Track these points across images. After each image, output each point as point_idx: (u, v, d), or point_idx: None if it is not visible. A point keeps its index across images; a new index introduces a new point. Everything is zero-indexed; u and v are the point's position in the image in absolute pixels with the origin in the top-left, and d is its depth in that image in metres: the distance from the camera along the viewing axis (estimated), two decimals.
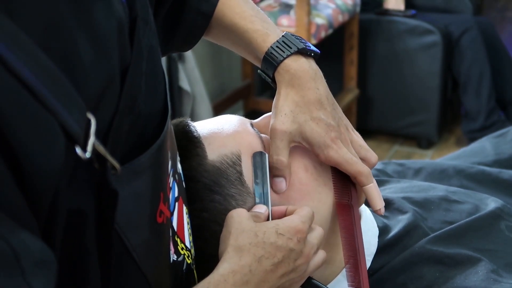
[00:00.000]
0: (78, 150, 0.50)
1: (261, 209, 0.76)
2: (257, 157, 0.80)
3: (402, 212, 0.93)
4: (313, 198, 0.81)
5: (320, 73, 0.82)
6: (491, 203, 0.96)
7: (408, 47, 2.92)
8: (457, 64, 2.96)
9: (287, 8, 2.74)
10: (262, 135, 0.83)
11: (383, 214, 0.84)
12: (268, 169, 0.79)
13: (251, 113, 3.07)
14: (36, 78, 0.46)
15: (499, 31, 3.60)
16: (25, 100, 0.46)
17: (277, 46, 0.81)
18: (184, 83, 2.45)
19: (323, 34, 2.67)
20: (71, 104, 0.49)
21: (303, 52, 0.82)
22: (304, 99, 0.80)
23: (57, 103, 0.48)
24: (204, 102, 2.54)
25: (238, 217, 0.73)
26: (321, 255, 0.76)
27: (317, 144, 0.79)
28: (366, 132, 3.12)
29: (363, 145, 0.84)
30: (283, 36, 0.82)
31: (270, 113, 0.86)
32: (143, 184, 0.60)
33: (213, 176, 0.78)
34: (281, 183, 0.80)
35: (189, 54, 2.47)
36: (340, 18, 2.78)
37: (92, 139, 0.51)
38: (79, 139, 0.50)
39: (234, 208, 0.77)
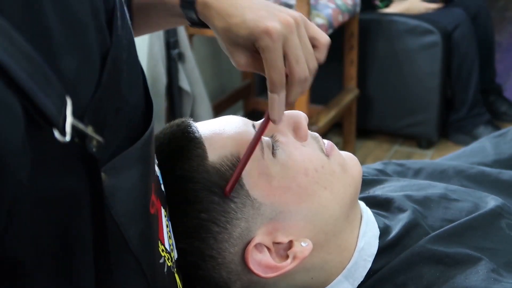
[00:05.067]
0: (56, 133, 0.49)
1: None
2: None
3: (403, 210, 0.93)
4: (312, 201, 0.81)
5: None
6: (491, 201, 0.96)
7: (408, 47, 2.92)
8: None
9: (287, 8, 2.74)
10: (264, 137, 0.83)
11: (276, 124, 0.79)
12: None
13: (251, 113, 3.07)
14: (12, 60, 0.45)
15: (499, 31, 3.61)
16: None
17: None
18: (184, 83, 2.45)
19: None
20: (47, 86, 0.48)
21: None
22: (231, 20, 0.75)
23: (34, 85, 0.46)
24: (204, 102, 2.54)
25: None
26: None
27: (248, 39, 0.74)
28: (366, 132, 3.12)
29: (308, 46, 0.76)
30: None
31: None
32: (136, 174, 0.59)
33: (213, 177, 0.78)
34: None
35: (189, 54, 2.47)
36: (340, 18, 2.78)
37: (69, 120, 0.49)
38: (57, 122, 0.48)
39: (233, 210, 0.78)
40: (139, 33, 0.91)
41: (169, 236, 0.73)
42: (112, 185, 0.55)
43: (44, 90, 0.47)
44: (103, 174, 0.54)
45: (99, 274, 0.57)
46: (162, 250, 0.70)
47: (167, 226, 0.73)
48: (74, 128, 0.50)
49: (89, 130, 0.52)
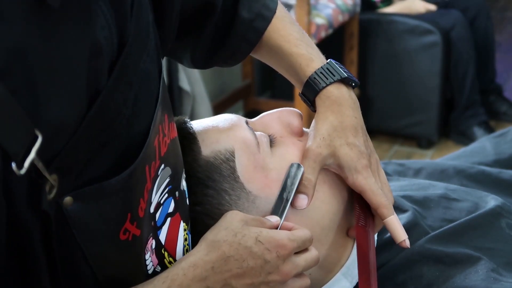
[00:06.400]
0: (14, 165, 0.51)
1: (272, 218, 0.77)
2: (294, 168, 0.80)
3: (402, 210, 0.94)
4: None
5: (358, 103, 0.85)
6: (491, 200, 0.96)
7: (408, 47, 2.92)
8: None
9: (287, 8, 2.74)
10: (257, 132, 0.84)
11: (408, 247, 0.83)
12: (298, 183, 0.79)
13: (251, 113, 3.07)
14: None
15: (499, 31, 3.61)
16: None
17: (321, 73, 0.84)
18: (184, 83, 2.45)
19: (323, 34, 2.67)
20: (11, 122, 0.50)
21: (346, 81, 0.85)
22: (342, 124, 0.82)
23: None
24: (204, 102, 2.54)
25: (230, 217, 0.73)
26: (304, 281, 0.74)
27: (348, 168, 0.81)
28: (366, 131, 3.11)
29: (386, 183, 0.85)
30: (327, 63, 0.85)
31: (267, 112, 0.87)
32: (109, 204, 0.61)
33: (207, 171, 0.80)
34: (304, 200, 0.80)
35: None
36: (340, 18, 2.78)
37: (31, 156, 0.52)
38: (15, 156, 0.51)
39: (228, 202, 0.79)
40: (254, 56, 0.94)
41: (186, 249, 0.75)
42: (76, 209, 0.59)
43: (4, 126, 0.50)
44: (69, 198, 0.57)
45: (53, 278, 0.60)
46: (169, 262, 0.72)
47: (185, 240, 0.75)
48: (33, 165, 0.53)
49: (53, 177, 0.55)
